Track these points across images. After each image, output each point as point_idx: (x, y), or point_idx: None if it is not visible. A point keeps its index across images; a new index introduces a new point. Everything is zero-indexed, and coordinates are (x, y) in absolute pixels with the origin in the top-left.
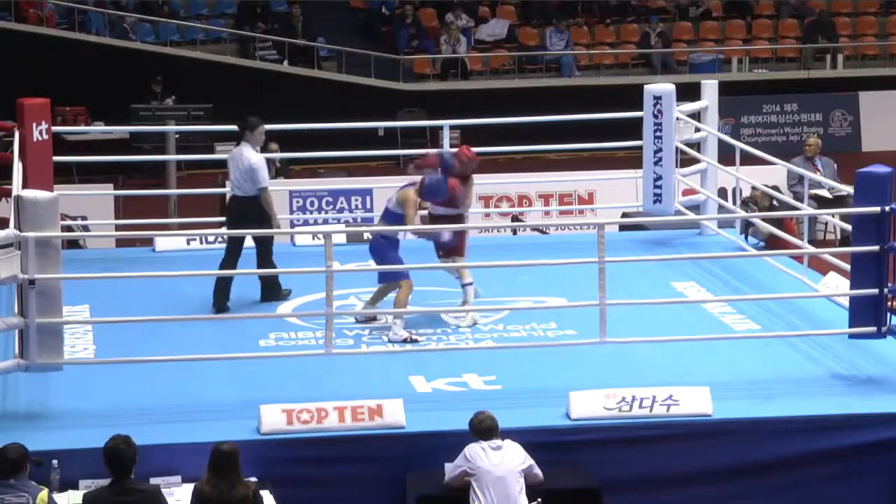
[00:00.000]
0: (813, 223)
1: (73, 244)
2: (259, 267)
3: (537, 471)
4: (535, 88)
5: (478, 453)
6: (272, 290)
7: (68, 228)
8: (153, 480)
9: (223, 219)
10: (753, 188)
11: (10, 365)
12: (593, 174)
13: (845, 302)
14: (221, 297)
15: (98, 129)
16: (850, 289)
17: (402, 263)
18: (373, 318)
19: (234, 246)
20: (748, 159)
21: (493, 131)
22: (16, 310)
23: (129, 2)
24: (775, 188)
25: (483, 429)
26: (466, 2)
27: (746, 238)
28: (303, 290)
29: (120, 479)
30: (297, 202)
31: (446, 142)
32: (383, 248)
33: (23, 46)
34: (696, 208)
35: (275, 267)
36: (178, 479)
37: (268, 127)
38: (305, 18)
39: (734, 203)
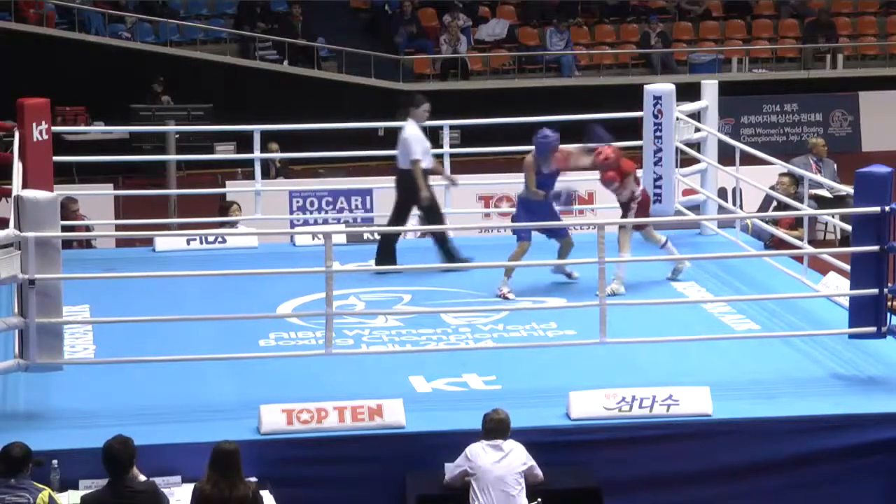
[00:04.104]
0: (813, 223)
1: (88, 244)
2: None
3: (537, 471)
4: (535, 88)
5: (478, 453)
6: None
7: (87, 228)
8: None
9: (223, 219)
10: (781, 175)
11: (10, 365)
12: (593, 174)
13: (845, 302)
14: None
15: (98, 129)
16: (850, 289)
17: None
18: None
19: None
20: (748, 159)
21: (494, 131)
22: (16, 310)
23: (128, 2)
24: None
25: (490, 427)
26: (466, 2)
27: (766, 246)
28: (303, 290)
29: (117, 480)
30: (297, 202)
31: (446, 141)
32: None
33: (23, 46)
34: (696, 208)
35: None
36: (178, 479)
37: (268, 127)
38: (305, 18)
39: (734, 203)
